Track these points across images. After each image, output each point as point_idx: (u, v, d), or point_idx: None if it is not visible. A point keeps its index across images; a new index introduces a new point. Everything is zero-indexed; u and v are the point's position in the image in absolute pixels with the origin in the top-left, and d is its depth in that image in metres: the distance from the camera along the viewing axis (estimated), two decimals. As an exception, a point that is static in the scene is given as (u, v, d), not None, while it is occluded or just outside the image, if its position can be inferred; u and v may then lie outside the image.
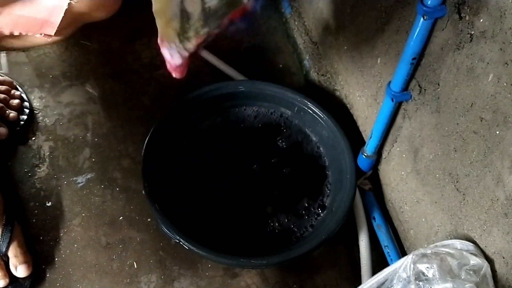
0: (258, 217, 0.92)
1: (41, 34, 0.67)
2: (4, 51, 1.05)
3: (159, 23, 0.60)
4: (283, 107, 1.01)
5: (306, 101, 0.98)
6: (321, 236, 0.84)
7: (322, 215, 0.91)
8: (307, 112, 0.98)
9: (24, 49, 1.04)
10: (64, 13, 0.64)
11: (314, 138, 0.99)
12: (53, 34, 0.67)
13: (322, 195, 0.94)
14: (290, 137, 1.00)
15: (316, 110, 0.97)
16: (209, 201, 0.93)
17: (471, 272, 0.60)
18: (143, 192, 0.87)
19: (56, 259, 0.88)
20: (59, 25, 0.66)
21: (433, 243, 0.66)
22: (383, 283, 0.65)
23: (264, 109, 1.02)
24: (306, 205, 0.93)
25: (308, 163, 0.98)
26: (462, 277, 0.60)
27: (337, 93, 1.02)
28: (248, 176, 0.96)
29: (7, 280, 0.83)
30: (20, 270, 0.84)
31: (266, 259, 0.83)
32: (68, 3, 0.64)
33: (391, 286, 0.64)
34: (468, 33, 0.60)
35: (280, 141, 1.00)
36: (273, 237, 0.90)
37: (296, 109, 1.00)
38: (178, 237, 0.81)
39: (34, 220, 0.92)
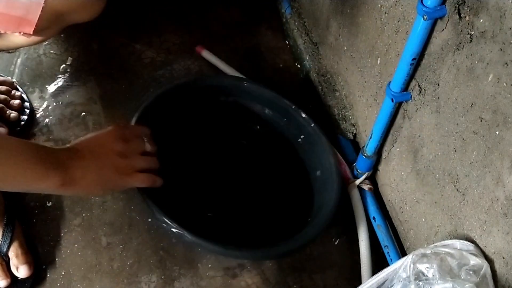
0: (248, 213, 0.93)
1: (20, 32, 0.66)
2: None
3: None
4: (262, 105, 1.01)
5: (285, 101, 0.98)
6: (319, 223, 0.84)
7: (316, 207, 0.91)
8: (284, 109, 0.98)
9: (9, 50, 1.03)
10: (42, 11, 0.63)
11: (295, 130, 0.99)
12: (31, 32, 0.66)
13: (314, 185, 0.94)
14: (271, 132, 1.01)
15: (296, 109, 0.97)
16: (198, 196, 0.94)
17: (471, 272, 0.60)
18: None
19: (57, 259, 0.88)
20: (38, 24, 0.64)
21: (433, 243, 0.66)
22: (383, 283, 0.65)
23: (246, 106, 1.01)
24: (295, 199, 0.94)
25: (292, 157, 0.98)
26: (462, 277, 0.60)
27: (337, 94, 1.03)
28: (235, 174, 0.98)
29: (9, 280, 0.83)
30: (21, 271, 0.84)
31: (268, 251, 0.82)
32: (44, 1, 0.63)
33: (391, 286, 0.64)
34: (468, 34, 0.61)
35: (262, 136, 1.01)
36: (268, 228, 0.91)
37: (275, 107, 0.99)
38: (182, 232, 0.80)
39: (34, 220, 0.92)
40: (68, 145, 0.70)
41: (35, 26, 0.65)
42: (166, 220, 0.80)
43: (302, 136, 0.97)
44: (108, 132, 0.74)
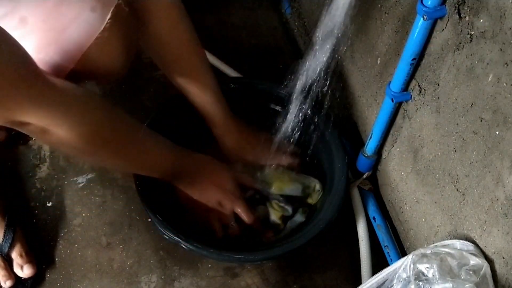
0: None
1: None
2: None
3: None
4: (273, 103, 1.00)
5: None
6: (317, 227, 0.84)
7: (317, 206, 0.90)
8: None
9: None
10: (63, 72, 0.67)
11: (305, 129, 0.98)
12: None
13: (315, 186, 0.94)
14: (281, 132, 1.00)
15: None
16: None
17: (471, 272, 0.60)
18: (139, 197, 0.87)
19: (57, 259, 0.88)
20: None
21: (433, 243, 0.66)
22: (383, 283, 0.65)
23: (255, 105, 1.01)
24: (299, 197, 0.93)
25: (300, 156, 0.98)
26: (462, 277, 0.60)
27: (337, 94, 1.03)
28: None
29: (13, 280, 0.83)
30: (26, 270, 0.84)
31: (265, 253, 0.82)
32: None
33: (391, 286, 0.64)
34: (468, 34, 0.61)
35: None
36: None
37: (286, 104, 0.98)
38: (178, 239, 0.80)
39: (34, 220, 0.92)
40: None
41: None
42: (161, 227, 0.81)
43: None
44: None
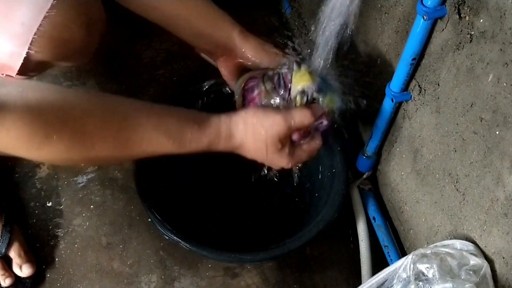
0: (252, 213, 0.93)
1: (3, 74, 0.67)
2: None
3: None
4: None
5: None
6: (318, 227, 0.83)
7: (317, 206, 0.91)
8: None
9: None
10: (24, 61, 0.65)
11: None
12: (14, 75, 0.67)
13: (315, 185, 0.94)
14: None
15: None
16: (203, 197, 0.94)
17: (471, 272, 0.60)
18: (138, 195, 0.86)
19: (57, 259, 0.88)
20: (20, 70, 0.66)
21: (433, 243, 0.66)
22: (383, 283, 0.65)
23: None
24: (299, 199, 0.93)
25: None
26: (462, 277, 0.60)
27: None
28: (239, 173, 0.97)
29: (12, 279, 0.83)
30: (25, 269, 0.84)
31: (265, 254, 0.82)
32: (26, 52, 0.64)
33: (391, 286, 0.64)
34: (468, 34, 0.61)
35: None
36: (268, 231, 0.91)
37: None
38: (177, 239, 0.80)
39: (34, 220, 0.92)
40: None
41: (17, 72, 0.66)
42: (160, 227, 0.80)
43: None
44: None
